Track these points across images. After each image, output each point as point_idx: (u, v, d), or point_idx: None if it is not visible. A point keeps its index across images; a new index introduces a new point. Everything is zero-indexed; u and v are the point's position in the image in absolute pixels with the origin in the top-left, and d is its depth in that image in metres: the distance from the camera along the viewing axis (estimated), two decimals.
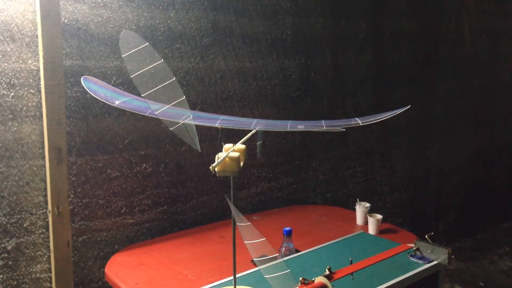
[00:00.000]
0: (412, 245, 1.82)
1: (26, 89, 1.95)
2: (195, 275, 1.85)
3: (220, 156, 1.37)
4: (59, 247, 2.02)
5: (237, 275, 1.62)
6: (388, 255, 1.80)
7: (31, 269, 2.02)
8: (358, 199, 2.40)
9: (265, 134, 2.69)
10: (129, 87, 2.20)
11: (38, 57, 1.94)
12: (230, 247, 1.50)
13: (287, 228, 1.89)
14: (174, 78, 1.36)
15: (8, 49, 1.89)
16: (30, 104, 1.96)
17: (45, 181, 2.01)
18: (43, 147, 1.99)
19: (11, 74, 1.91)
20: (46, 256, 2.05)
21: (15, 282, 1.99)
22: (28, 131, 1.96)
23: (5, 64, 1.89)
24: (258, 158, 2.67)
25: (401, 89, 3.44)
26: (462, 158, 4.01)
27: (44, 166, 2.00)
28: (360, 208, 2.34)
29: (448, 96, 3.79)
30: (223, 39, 2.48)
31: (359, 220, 2.36)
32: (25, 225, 1.99)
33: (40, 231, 2.02)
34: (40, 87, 1.96)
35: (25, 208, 1.99)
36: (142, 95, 1.35)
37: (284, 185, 2.85)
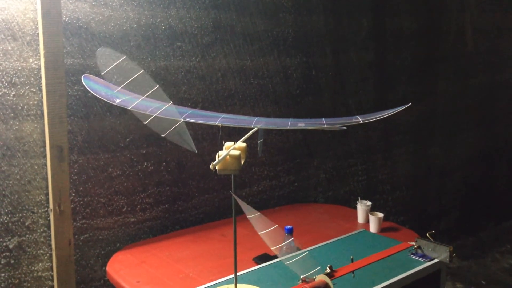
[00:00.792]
0: (414, 243, 1.82)
1: (27, 87, 1.95)
2: (196, 273, 1.85)
3: (221, 154, 1.37)
4: (61, 245, 2.02)
5: (238, 273, 1.62)
6: (390, 253, 1.80)
7: (33, 268, 2.03)
8: (359, 198, 2.40)
9: (266, 132, 2.69)
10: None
11: (39, 56, 1.95)
12: (231, 245, 1.51)
13: (289, 227, 1.89)
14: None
15: (9, 48, 1.90)
16: (31, 102, 1.96)
17: (46, 180, 2.01)
18: (44, 146, 1.99)
19: (12, 72, 1.91)
20: (47, 254, 2.05)
21: (17, 280, 2.00)
22: (29, 130, 1.97)
23: (6, 62, 1.89)
24: (259, 156, 2.67)
25: (403, 88, 3.43)
26: (464, 157, 4.00)
27: (45, 164, 2.01)
28: (362, 207, 2.34)
29: (450, 95, 3.79)
30: (224, 37, 2.48)
31: (360, 219, 2.36)
32: (26, 224, 2.00)
33: (41, 230, 2.03)
34: (41, 86, 1.96)
35: (27, 207, 1.99)
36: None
37: (285, 183, 2.85)
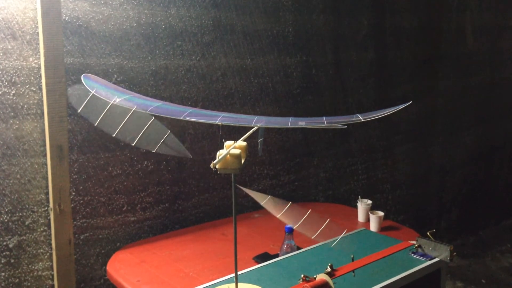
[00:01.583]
0: (414, 242, 1.82)
1: (27, 87, 1.95)
2: (196, 272, 1.85)
3: (221, 153, 1.37)
4: (61, 245, 2.02)
5: (239, 273, 1.62)
6: (390, 252, 1.80)
7: (33, 267, 2.03)
8: (359, 196, 2.40)
9: (267, 131, 2.69)
10: (130, 84, 2.20)
11: (39, 55, 1.94)
12: (232, 244, 1.50)
13: (289, 226, 1.89)
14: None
15: (9, 47, 1.89)
16: (31, 102, 1.96)
17: (46, 179, 2.01)
18: (44, 145, 1.99)
19: (12, 72, 1.91)
20: (48, 254, 2.05)
21: (17, 280, 2.00)
22: (29, 129, 1.96)
23: (6, 62, 1.89)
24: (260, 155, 2.66)
25: (403, 86, 3.43)
26: (464, 155, 4.00)
27: (45, 164, 2.00)
28: (362, 205, 2.34)
29: (450, 93, 3.78)
30: (224, 36, 2.48)
31: (360, 217, 2.35)
32: (27, 223, 1.99)
33: (42, 229, 2.03)
34: (41, 85, 1.96)
35: (27, 206, 1.99)
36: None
37: (285, 182, 2.85)
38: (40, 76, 1.96)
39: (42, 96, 1.97)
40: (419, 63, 3.53)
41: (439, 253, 1.73)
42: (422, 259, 1.74)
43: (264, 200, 1.27)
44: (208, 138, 2.47)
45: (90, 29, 2.07)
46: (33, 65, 1.95)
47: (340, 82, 3.04)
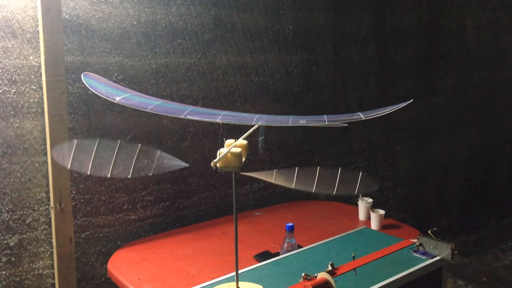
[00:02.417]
0: (415, 240, 1.81)
1: (27, 85, 1.94)
2: (197, 271, 1.85)
3: (222, 151, 1.36)
4: (62, 243, 2.02)
5: (240, 271, 1.62)
6: (391, 251, 1.79)
7: (33, 265, 2.03)
8: (360, 195, 2.40)
9: (267, 129, 2.68)
10: (131, 83, 2.20)
11: (39, 53, 1.94)
12: (233, 243, 1.50)
13: (290, 224, 1.89)
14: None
15: (9, 45, 1.89)
16: (31, 100, 1.96)
17: (47, 178, 2.01)
18: (45, 143, 1.99)
19: (12, 70, 1.91)
20: (48, 252, 2.05)
21: (18, 278, 2.00)
22: (30, 128, 1.96)
23: (6, 60, 1.89)
24: (260, 153, 2.66)
25: (404, 84, 3.43)
26: (465, 153, 4.00)
27: (46, 162, 2.00)
28: (363, 204, 2.34)
29: (451, 91, 3.78)
30: (224, 34, 2.48)
31: (361, 216, 2.35)
32: (27, 222, 1.99)
33: (42, 228, 2.03)
34: (42, 83, 1.96)
35: (28, 205, 1.99)
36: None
37: None
38: (41, 74, 1.96)
39: (42, 94, 1.96)
40: (420, 61, 3.52)
41: (440, 252, 1.73)
42: (423, 257, 1.73)
43: (272, 176, 1.27)
44: (209, 136, 2.46)
45: (91, 28, 2.07)
46: (34, 63, 1.95)
47: (341, 80, 3.04)
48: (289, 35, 2.74)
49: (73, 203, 2.08)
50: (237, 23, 2.52)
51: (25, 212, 1.99)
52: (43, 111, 1.97)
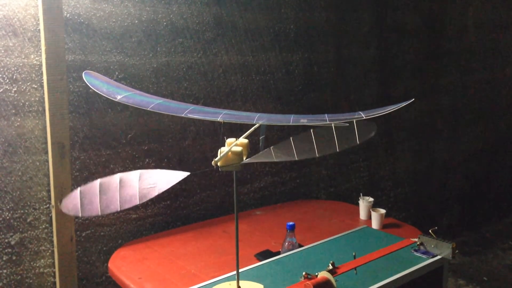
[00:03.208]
0: (416, 239, 1.81)
1: (28, 84, 1.94)
2: (198, 269, 1.85)
3: (223, 150, 1.37)
4: (63, 242, 2.03)
5: (240, 270, 1.62)
6: (392, 250, 1.79)
7: (34, 264, 2.03)
8: (361, 194, 2.40)
9: (268, 128, 2.68)
10: (132, 81, 2.20)
11: (41, 52, 1.94)
12: (233, 241, 1.50)
13: (290, 223, 1.89)
14: None
15: (11, 44, 1.89)
16: (32, 99, 1.96)
17: (48, 176, 2.01)
18: (46, 142, 1.99)
19: (13, 69, 1.91)
20: (49, 251, 2.05)
21: (19, 277, 2.00)
22: (31, 126, 1.96)
23: (7, 59, 1.89)
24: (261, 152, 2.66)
25: (405, 83, 3.42)
26: (466, 152, 4.00)
27: (47, 161, 2.00)
28: (364, 203, 2.34)
29: (453, 90, 3.77)
30: (225, 33, 2.48)
31: (362, 215, 2.35)
32: (28, 220, 2.00)
33: (43, 226, 2.03)
34: (43, 82, 1.96)
35: (29, 203, 1.99)
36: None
37: (287, 179, 2.84)
38: (42, 73, 1.96)
39: (43, 93, 1.97)
40: (421, 60, 3.52)
41: (441, 251, 1.73)
42: (424, 256, 1.73)
43: (272, 156, 1.26)
44: (210, 135, 2.46)
45: (92, 26, 2.07)
46: (35, 62, 1.95)
47: (342, 79, 3.04)
48: (290, 34, 2.74)
49: None
50: (238, 22, 2.51)
51: (26, 211, 1.99)
52: (44, 110, 1.97)
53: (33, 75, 1.95)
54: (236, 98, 2.57)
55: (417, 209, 3.69)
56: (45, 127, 1.98)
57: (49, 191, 2.02)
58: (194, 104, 2.38)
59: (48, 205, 2.03)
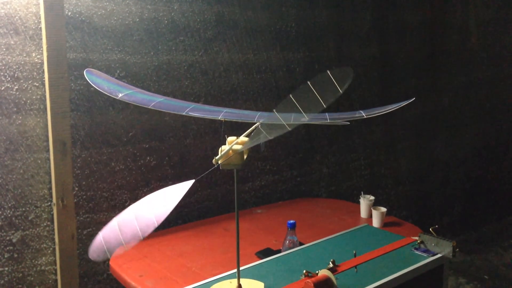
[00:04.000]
0: (417, 238, 1.82)
1: (30, 82, 1.95)
2: (199, 267, 1.86)
3: (224, 149, 1.37)
4: (64, 239, 2.03)
5: (241, 268, 1.62)
6: (392, 248, 1.80)
7: (36, 262, 2.03)
8: (362, 192, 2.40)
9: None
10: (133, 80, 2.20)
11: (42, 50, 1.94)
12: (234, 240, 1.51)
13: (291, 221, 1.89)
14: None
15: (12, 42, 1.89)
16: (34, 97, 1.96)
17: (49, 174, 2.02)
18: (47, 140, 2.00)
19: (15, 67, 1.91)
20: (51, 248, 2.06)
21: (21, 274, 2.00)
22: (32, 124, 1.97)
23: (9, 57, 1.89)
24: (262, 151, 2.66)
25: (406, 82, 3.42)
26: (467, 151, 3.99)
27: (48, 159, 2.01)
28: (364, 201, 2.34)
29: (454, 88, 3.77)
30: (227, 31, 2.48)
31: (363, 213, 2.35)
32: (30, 218, 2.00)
33: (45, 224, 2.03)
34: (44, 80, 1.96)
35: (30, 201, 2.00)
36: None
37: (288, 178, 2.85)
38: (43, 71, 1.96)
39: (45, 91, 1.97)
40: (422, 59, 3.51)
41: (442, 249, 1.73)
42: (425, 255, 1.74)
43: (261, 135, 1.27)
44: (211, 133, 2.47)
45: (93, 25, 2.07)
46: (36, 60, 1.95)
47: None
48: (291, 32, 2.73)
49: (75, 200, 2.08)
50: (239, 20, 2.52)
51: (27, 209, 1.99)
52: (45, 108, 1.98)
53: (35, 73, 1.95)
54: (237, 97, 2.57)
55: (418, 207, 3.69)
56: (46, 125, 1.99)
57: (50, 189, 2.02)
58: (195, 102, 2.38)
59: (49, 203, 2.03)
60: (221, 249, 2.02)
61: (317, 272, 1.53)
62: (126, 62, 2.17)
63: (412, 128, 3.52)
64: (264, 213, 2.49)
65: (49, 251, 2.06)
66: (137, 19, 2.19)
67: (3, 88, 1.89)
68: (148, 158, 2.29)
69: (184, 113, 1.37)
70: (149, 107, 1.40)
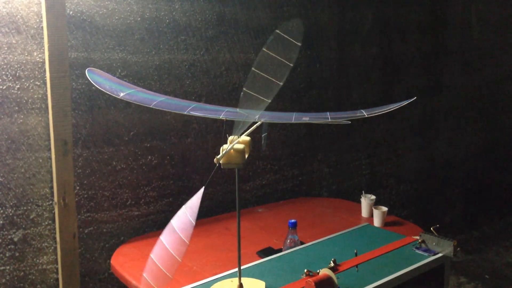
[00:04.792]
0: (418, 237, 1.82)
1: (31, 81, 1.95)
2: (200, 266, 1.86)
3: (225, 148, 1.37)
4: (65, 238, 2.03)
5: (242, 267, 1.63)
6: (393, 248, 1.80)
7: (37, 261, 2.04)
8: (363, 191, 2.40)
9: (270, 126, 2.69)
10: (134, 79, 2.20)
11: (44, 49, 1.95)
12: (235, 239, 1.51)
13: (292, 220, 1.89)
14: None
15: (14, 41, 1.90)
16: (35, 96, 1.96)
17: (51, 173, 2.02)
18: (49, 139, 2.00)
19: (16, 66, 1.91)
20: (52, 247, 2.06)
21: (22, 273, 2.01)
22: (34, 123, 1.97)
23: (10, 56, 1.89)
24: (263, 150, 2.66)
25: (408, 81, 3.42)
26: (469, 150, 3.99)
27: (50, 158, 2.01)
28: (366, 201, 2.34)
29: (455, 88, 3.77)
30: (228, 31, 2.48)
31: (364, 213, 2.35)
32: (31, 217, 2.00)
33: (46, 223, 2.04)
34: (46, 79, 1.96)
35: (32, 200, 2.00)
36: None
37: (289, 177, 2.85)
38: (45, 70, 1.96)
39: (46, 90, 1.97)
40: (424, 58, 3.51)
41: (443, 249, 1.73)
42: (426, 254, 1.73)
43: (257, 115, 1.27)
44: (212, 133, 2.47)
45: (94, 24, 2.07)
46: (38, 59, 1.95)
47: (344, 77, 3.04)
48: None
49: (76, 199, 2.08)
50: (240, 19, 2.52)
51: (29, 208, 2.00)
52: (47, 107, 1.98)
53: (36, 72, 1.96)
54: (238, 96, 2.56)
55: (419, 207, 3.69)
56: (48, 124, 1.99)
57: (52, 188, 2.03)
58: (197, 101, 2.38)
59: (51, 202, 2.04)
60: (222, 248, 2.03)
61: (318, 271, 1.53)
62: (128, 61, 2.17)
63: (413, 127, 3.52)
64: (265, 212, 2.49)
65: (50, 250, 2.06)
66: (139, 18, 2.19)
67: (4, 87, 1.90)
68: (149, 157, 2.29)
69: (185, 112, 1.37)
70: (151, 106, 1.40)
